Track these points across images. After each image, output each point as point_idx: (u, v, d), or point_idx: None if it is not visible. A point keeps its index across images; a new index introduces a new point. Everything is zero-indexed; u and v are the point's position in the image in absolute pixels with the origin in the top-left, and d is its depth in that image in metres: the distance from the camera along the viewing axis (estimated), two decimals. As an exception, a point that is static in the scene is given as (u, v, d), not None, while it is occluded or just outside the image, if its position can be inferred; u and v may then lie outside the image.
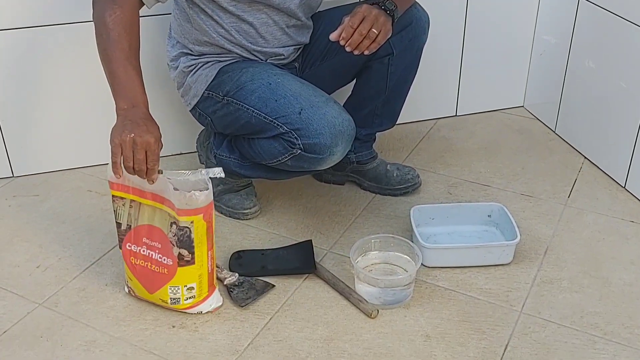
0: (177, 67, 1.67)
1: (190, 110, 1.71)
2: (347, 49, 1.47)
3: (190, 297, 1.42)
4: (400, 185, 1.87)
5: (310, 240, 1.65)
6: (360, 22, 1.45)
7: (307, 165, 1.52)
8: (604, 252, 1.65)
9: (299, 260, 1.60)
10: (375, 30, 1.46)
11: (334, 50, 1.73)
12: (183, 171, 1.38)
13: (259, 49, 1.62)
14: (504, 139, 2.15)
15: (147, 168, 1.32)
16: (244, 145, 1.63)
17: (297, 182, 1.90)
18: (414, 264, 1.51)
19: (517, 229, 1.60)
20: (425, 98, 2.19)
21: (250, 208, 1.76)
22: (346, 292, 1.50)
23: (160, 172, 1.35)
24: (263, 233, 1.72)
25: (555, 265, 1.61)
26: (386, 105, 1.80)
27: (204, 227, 1.37)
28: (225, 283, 1.53)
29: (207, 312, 1.45)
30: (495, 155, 2.07)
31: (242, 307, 1.47)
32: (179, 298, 1.42)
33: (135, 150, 1.30)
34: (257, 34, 1.60)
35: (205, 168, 1.83)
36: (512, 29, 2.18)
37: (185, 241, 1.37)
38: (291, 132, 1.48)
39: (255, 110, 1.53)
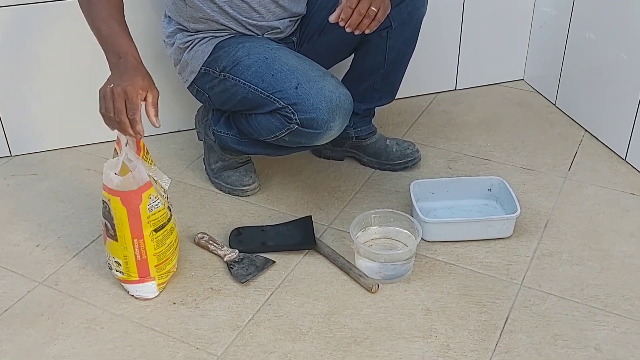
0: (174, 44, 1.65)
1: (187, 87, 1.69)
2: (347, 30, 1.45)
3: (118, 271, 1.44)
4: (399, 160, 1.86)
5: (310, 216, 1.65)
6: (359, 1, 1.43)
7: (305, 141, 1.51)
8: (604, 224, 1.65)
9: (299, 236, 1.59)
10: (374, 8, 1.44)
11: (332, 24, 1.70)
12: (153, 166, 1.39)
13: (254, 22, 1.60)
14: (504, 112, 2.14)
15: (128, 119, 1.29)
16: (241, 121, 1.62)
17: (296, 158, 1.89)
18: (414, 239, 1.50)
19: (517, 202, 1.60)
20: (424, 72, 2.17)
21: (249, 185, 1.75)
22: (346, 267, 1.50)
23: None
24: (263, 209, 1.72)
25: (555, 238, 1.61)
26: (385, 80, 1.78)
27: (124, 212, 1.35)
28: (225, 259, 1.53)
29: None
30: (496, 129, 2.05)
31: (243, 283, 1.47)
32: (111, 265, 1.45)
33: (114, 100, 1.28)
34: (250, 7, 1.58)
35: (204, 145, 1.83)
36: (511, 0, 2.15)
37: (106, 215, 1.38)
38: (288, 107, 1.47)
39: (252, 86, 1.52)
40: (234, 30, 1.61)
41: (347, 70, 1.81)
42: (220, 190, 1.78)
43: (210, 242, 1.57)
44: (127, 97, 1.28)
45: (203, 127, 1.85)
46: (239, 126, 1.65)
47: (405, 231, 1.57)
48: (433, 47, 2.11)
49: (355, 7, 1.43)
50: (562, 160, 1.89)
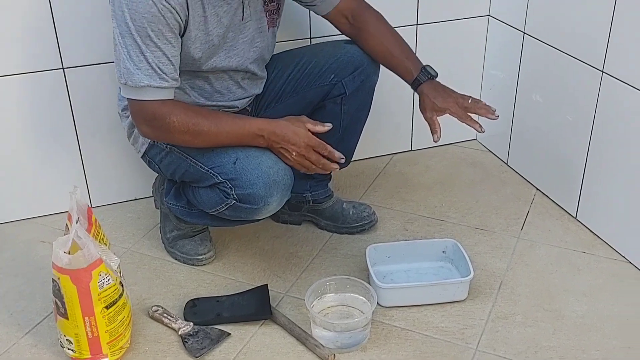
0: (128, 116, 1.66)
1: (141, 157, 1.71)
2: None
3: (70, 349, 1.42)
4: (356, 223, 1.88)
5: (266, 284, 1.65)
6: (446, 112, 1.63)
7: (244, 215, 1.52)
8: (556, 284, 1.68)
9: (255, 306, 1.59)
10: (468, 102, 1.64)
11: (288, 92, 1.75)
12: (103, 245, 1.40)
13: (213, 103, 1.63)
14: (459, 172, 2.18)
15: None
16: (189, 192, 1.64)
17: (254, 223, 1.90)
18: (370, 305, 1.51)
19: (470, 264, 1.62)
20: (381, 134, 2.21)
21: (204, 254, 1.75)
22: (302, 338, 1.50)
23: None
24: (219, 278, 1.71)
25: (509, 299, 1.63)
26: (340, 144, 1.81)
27: (74, 291, 1.34)
28: (180, 333, 1.51)
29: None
30: (450, 189, 2.09)
31: (197, 357, 1.46)
32: (62, 343, 1.43)
33: (307, 158, 1.51)
34: (212, 88, 1.61)
35: (160, 214, 1.83)
36: (461, 64, 2.22)
37: (56, 293, 1.37)
38: (226, 182, 1.49)
39: (193, 159, 1.54)
40: None
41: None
42: (176, 259, 1.78)
43: (165, 315, 1.56)
44: (312, 145, 1.49)
45: (159, 195, 1.85)
46: (188, 197, 1.66)
47: (361, 298, 1.57)
48: (389, 109, 2.16)
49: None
50: (514, 220, 1.93)
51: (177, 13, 1.42)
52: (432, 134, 1.65)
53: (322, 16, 1.74)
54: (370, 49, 1.73)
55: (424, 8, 2.10)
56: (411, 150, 2.31)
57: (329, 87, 1.72)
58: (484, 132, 1.63)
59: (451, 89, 1.68)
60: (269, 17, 1.63)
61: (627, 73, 1.66)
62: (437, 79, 1.69)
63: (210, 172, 1.51)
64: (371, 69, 1.74)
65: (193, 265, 1.75)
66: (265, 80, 1.74)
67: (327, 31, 2.00)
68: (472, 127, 1.63)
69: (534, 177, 2.09)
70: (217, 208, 1.54)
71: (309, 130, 1.50)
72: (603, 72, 1.73)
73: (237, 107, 1.68)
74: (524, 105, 2.08)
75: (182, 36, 1.48)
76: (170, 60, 1.44)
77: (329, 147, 1.51)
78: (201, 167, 1.53)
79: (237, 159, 1.48)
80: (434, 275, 1.70)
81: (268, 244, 1.85)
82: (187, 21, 1.46)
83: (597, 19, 1.71)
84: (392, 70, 1.74)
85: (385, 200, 2.04)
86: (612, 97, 1.72)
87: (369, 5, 1.75)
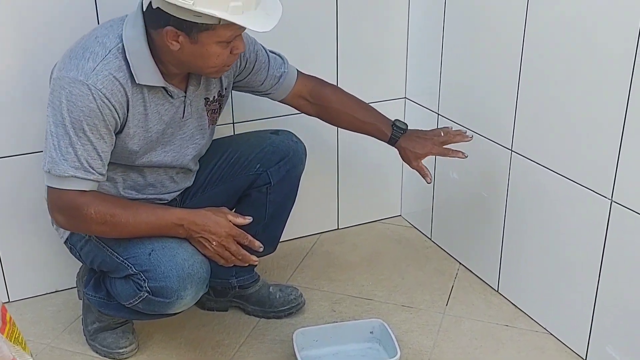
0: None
1: (64, 243, 1.67)
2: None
3: None
4: (283, 307, 1.86)
5: (191, 377, 1.61)
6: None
7: (158, 309, 1.50)
8: (481, 359, 1.70)
9: (179, 401, 1.54)
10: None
11: (214, 182, 1.77)
12: (16, 346, 1.34)
13: (144, 196, 1.63)
14: (385, 249, 2.22)
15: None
16: (107, 283, 1.61)
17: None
18: (297, 393, 1.49)
19: (397, 344, 1.63)
20: (307, 214, 2.23)
21: (126, 347, 1.70)
22: None
23: None
24: (142, 373, 1.66)
25: (436, 378, 1.64)
26: (266, 232, 1.82)
27: None
28: None
29: None
30: (377, 266, 2.12)
31: None
32: None
33: (227, 249, 1.51)
34: (146, 182, 1.62)
35: (82, 305, 1.77)
36: (381, 145, 2.28)
37: None
38: (139, 274, 1.47)
39: (110, 249, 1.52)
40: None
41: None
42: (97, 353, 1.72)
43: (84, 416, 1.49)
44: (234, 235, 1.49)
45: (82, 285, 1.80)
46: (107, 288, 1.62)
47: (289, 385, 1.55)
48: (314, 189, 2.19)
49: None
50: (439, 296, 1.96)
51: (116, 111, 1.43)
52: (424, 178, 1.75)
53: (280, 101, 1.78)
54: (339, 122, 1.81)
55: (344, 91, 2.17)
56: (338, 228, 2.34)
57: (254, 176, 1.74)
58: (466, 156, 1.71)
59: (423, 131, 1.76)
60: (210, 115, 1.66)
61: (534, 151, 1.75)
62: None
63: (125, 263, 1.49)
64: (297, 159, 1.78)
65: (114, 359, 1.69)
66: (196, 173, 1.75)
67: (250, 116, 2.05)
68: (456, 157, 1.71)
69: (456, 251, 2.14)
70: (131, 301, 1.51)
71: (230, 221, 1.51)
72: (512, 151, 1.82)
73: (167, 200, 1.68)
74: (443, 182, 2.15)
75: (119, 132, 1.48)
76: (100, 155, 1.43)
77: (250, 237, 1.52)
78: (117, 257, 1.51)
79: (152, 250, 1.46)
80: (362, 357, 1.70)
81: (194, 333, 1.81)
82: (126, 119, 1.47)
83: (504, 99, 1.80)
84: (366, 134, 1.80)
85: (313, 281, 2.04)
86: (522, 174, 1.80)
87: (323, 80, 1.81)
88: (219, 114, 1.70)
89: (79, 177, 1.42)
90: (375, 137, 1.79)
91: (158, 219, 1.48)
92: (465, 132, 1.74)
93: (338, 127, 1.84)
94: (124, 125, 1.47)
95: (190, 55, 1.43)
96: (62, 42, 1.58)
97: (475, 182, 1.99)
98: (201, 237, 1.48)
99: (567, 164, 1.65)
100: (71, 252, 1.67)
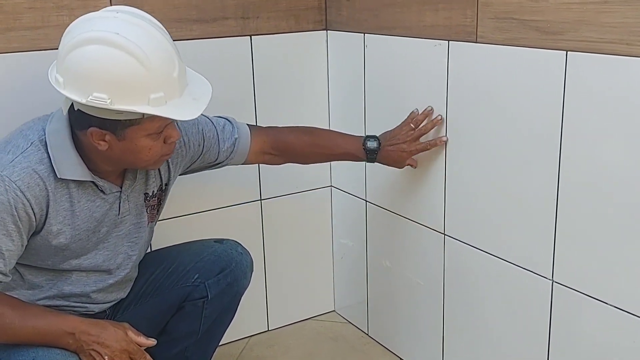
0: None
1: None
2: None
3: None
4: None
5: None
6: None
7: None
8: None
9: None
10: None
11: (148, 294, 1.62)
12: None
13: (75, 311, 1.47)
14: (319, 350, 2.06)
15: None
16: None
17: None
18: None
19: None
20: (234, 317, 2.06)
21: None
22: None
23: None
24: None
25: None
26: (198, 347, 1.66)
27: None
28: None
29: None
30: (312, 369, 1.96)
31: None
32: None
33: None
34: (71, 290, 1.46)
35: None
36: (310, 235, 2.18)
37: None
38: None
39: None
40: None
41: (158, 330, 1.65)
42: None
43: None
44: (129, 351, 1.34)
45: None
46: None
47: None
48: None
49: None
50: (382, 397, 1.81)
51: (31, 206, 1.31)
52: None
53: (243, 164, 1.67)
54: (311, 161, 1.77)
55: (266, 183, 2.07)
56: (268, 330, 2.17)
57: (190, 288, 1.60)
58: (447, 139, 1.65)
59: (395, 137, 1.68)
60: (149, 212, 1.53)
61: (467, 233, 1.67)
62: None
63: None
64: (239, 272, 1.65)
65: None
66: (133, 282, 1.59)
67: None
68: (438, 144, 1.65)
69: (396, 346, 2.01)
70: None
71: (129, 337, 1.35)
72: (445, 234, 1.74)
73: (94, 312, 1.51)
74: (376, 272, 2.04)
75: (39, 230, 1.35)
76: (3, 254, 1.29)
77: (148, 357, 1.37)
78: None
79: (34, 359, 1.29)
80: None
81: None
82: (45, 215, 1.34)
83: (434, 184, 1.74)
84: (343, 161, 1.76)
85: (244, 392, 1.85)
86: (457, 258, 1.72)
87: (277, 127, 1.72)
88: (159, 210, 1.57)
89: None
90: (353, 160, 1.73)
91: (47, 325, 1.31)
92: (429, 110, 1.66)
93: (313, 163, 1.78)
94: (45, 222, 1.34)
95: (121, 153, 1.33)
96: None
97: (409, 269, 1.89)
98: (92, 349, 1.32)
99: (504, 245, 1.58)
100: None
